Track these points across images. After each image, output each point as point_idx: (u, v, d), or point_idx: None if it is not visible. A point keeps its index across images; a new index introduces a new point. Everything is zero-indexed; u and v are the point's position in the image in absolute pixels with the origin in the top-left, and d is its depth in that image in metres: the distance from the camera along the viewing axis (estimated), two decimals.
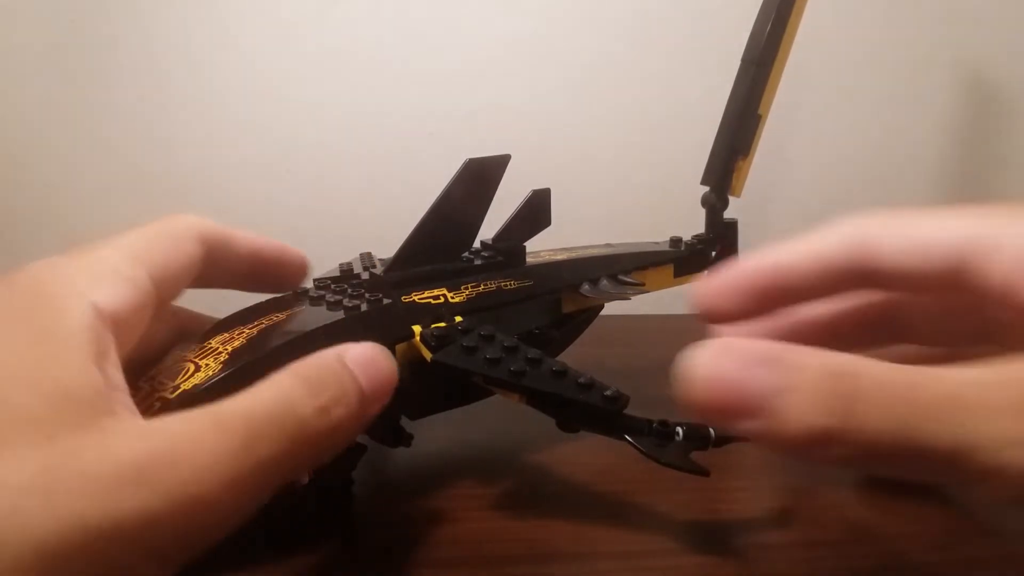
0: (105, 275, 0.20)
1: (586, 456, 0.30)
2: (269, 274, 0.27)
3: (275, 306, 0.26)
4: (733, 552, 0.24)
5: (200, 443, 0.16)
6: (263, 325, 0.24)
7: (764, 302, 0.22)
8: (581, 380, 0.24)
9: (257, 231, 0.26)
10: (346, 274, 0.28)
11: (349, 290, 0.27)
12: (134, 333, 0.21)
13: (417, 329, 0.26)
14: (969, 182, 0.56)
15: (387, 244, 0.30)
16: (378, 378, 0.21)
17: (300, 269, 0.27)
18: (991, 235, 0.19)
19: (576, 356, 0.30)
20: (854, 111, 0.55)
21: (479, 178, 0.28)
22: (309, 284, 0.28)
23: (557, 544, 0.24)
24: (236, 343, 0.23)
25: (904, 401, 0.15)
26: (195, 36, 0.51)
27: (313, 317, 0.25)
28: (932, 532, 0.25)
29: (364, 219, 0.53)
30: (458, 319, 0.27)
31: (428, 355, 0.25)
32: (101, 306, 0.19)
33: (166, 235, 0.23)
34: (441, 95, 0.53)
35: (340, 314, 0.25)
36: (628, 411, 0.24)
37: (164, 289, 0.22)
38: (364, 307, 0.25)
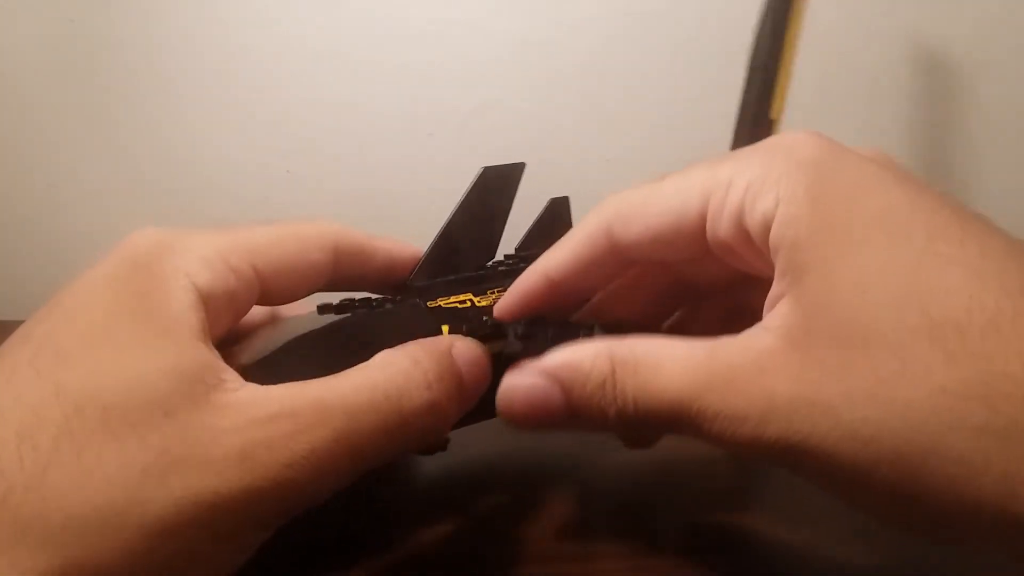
0: (212, 262, 0.21)
1: (588, 456, 0.30)
2: (403, 281, 0.27)
3: (301, 317, 0.26)
4: (734, 552, 0.24)
5: (299, 433, 0.18)
6: (288, 327, 0.24)
7: (549, 308, 0.24)
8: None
9: None
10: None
11: (375, 301, 0.27)
12: (227, 318, 0.21)
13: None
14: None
15: None
16: (476, 381, 0.22)
17: None
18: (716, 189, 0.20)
19: None
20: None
21: (496, 187, 0.28)
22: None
23: (557, 544, 0.24)
24: (260, 342, 0.23)
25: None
26: (195, 36, 0.51)
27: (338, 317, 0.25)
28: None
29: (363, 220, 0.51)
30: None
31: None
32: (201, 287, 0.20)
33: (292, 238, 0.23)
34: (441, 95, 0.52)
35: (364, 311, 0.25)
36: None
37: (277, 288, 0.23)
38: (389, 307, 0.26)
